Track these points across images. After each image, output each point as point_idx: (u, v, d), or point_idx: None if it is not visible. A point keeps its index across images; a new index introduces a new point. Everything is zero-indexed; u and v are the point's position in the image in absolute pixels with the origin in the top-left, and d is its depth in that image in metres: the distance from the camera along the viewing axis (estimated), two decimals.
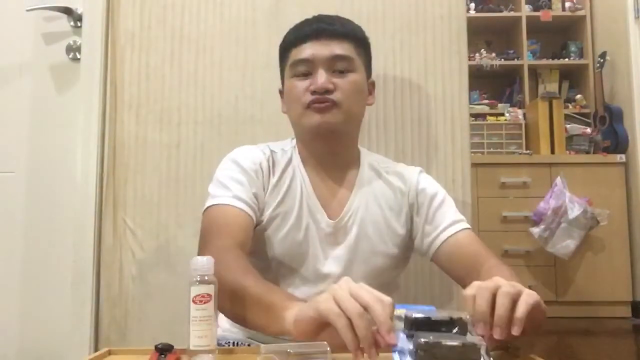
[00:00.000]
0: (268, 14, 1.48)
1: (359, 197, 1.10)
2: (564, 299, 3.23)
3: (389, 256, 1.10)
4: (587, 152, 3.56)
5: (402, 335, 0.67)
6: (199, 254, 0.94)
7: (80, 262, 1.45)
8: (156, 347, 0.78)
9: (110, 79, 1.48)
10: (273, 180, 1.09)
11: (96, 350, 1.37)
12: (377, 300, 0.67)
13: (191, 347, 0.74)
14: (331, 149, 1.11)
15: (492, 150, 3.63)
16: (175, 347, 0.78)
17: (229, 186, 1.04)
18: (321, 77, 1.04)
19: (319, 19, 1.12)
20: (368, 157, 1.19)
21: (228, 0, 1.49)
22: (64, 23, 1.57)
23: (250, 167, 1.07)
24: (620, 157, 3.30)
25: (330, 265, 1.06)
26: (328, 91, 1.04)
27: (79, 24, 1.55)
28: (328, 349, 0.72)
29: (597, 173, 3.30)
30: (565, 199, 3.11)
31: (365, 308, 0.66)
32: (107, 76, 1.48)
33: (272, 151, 1.12)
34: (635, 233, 3.24)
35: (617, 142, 3.36)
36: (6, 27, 1.61)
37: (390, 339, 0.65)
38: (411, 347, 0.65)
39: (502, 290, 0.71)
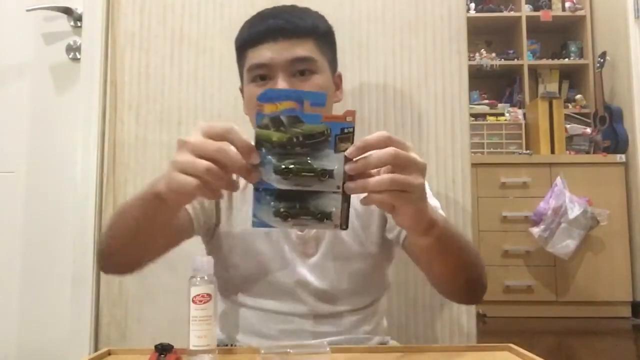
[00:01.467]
0: None
1: None
2: (564, 299, 3.23)
3: (369, 256, 1.04)
4: (587, 152, 3.56)
5: (266, 168, 0.64)
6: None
7: (80, 262, 1.45)
8: (156, 347, 0.78)
9: (110, 79, 1.48)
10: (235, 192, 1.00)
11: (96, 350, 1.37)
12: (224, 128, 0.64)
13: (191, 347, 0.74)
14: None
15: (492, 150, 3.64)
16: (175, 347, 0.78)
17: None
18: (281, 84, 0.97)
19: (275, 14, 1.03)
20: None
21: (228, 0, 1.49)
22: (64, 23, 1.57)
23: None
24: (620, 157, 3.30)
25: (307, 274, 1.00)
26: None
27: (79, 24, 1.55)
28: (328, 349, 0.73)
29: (597, 173, 3.30)
30: (565, 199, 3.12)
31: (222, 138, 0.63)
32: (107, 76, 1.48)
33: None
34: (635, 233, 3.24)
35: (617, 142, 3.36)
36: (6, 27, 1.61)
37: (253, 158, 0.63)
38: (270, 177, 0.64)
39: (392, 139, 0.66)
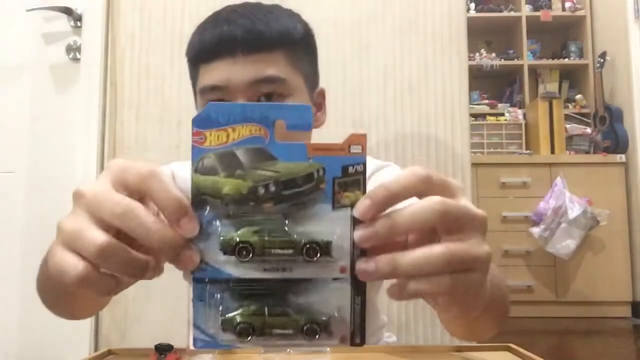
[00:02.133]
0: None
1: None
2: (564, 299, 3.23)
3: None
4: (587, 152, 3.56)
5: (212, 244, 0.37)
6: None
7: None
8: (156, 347, 0.78)
9: (110, 79, 1.48)
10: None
11: (96, 350, 1.37)
12: (151, 173, 0.38)
13: (191, 347, 0.74)
14: None
15: (492, 150, 3.64)
16: (175, 347, 0.78)
17: None
18: None
19: (231, 18, 0.80)
20: None
21: (228, 0, 1.48)
22: (64, 23, 1.57)
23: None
24: (620, 157, 3.31)
25: None
26: None
27: (79, 24, 1.55)
28: (328, 349, 0.72)
29: (597, 173, 3.30)
30: (565, 199, 3.12)
31: (143, 193, 0.38)
32: (107, 76, 1.48)
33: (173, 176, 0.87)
34: (635, 233, 3.24)
35: (617, 142, 3.36)
36: (6, 27, 1.61)
37: (186, 225, 0.36)
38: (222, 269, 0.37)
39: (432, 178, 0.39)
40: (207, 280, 0.37)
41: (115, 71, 1.48)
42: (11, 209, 1.56)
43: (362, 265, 0.37)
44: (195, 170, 0.37)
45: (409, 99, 1.44)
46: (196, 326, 0.38)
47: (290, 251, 0.37)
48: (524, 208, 3.27)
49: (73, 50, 1.56)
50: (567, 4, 3.93)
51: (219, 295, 0.38)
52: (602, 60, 3.51)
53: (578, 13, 3.92)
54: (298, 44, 0.82)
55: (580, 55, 3.96)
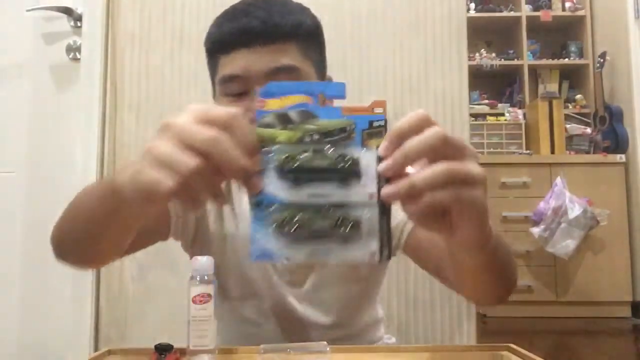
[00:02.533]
0: None
1: None
2: (564, 299, 3.23)
3: (362, 280, 0.97)
4: (587, 152, 3.56)
5: (272, 174, 0.48)
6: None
7: None
8: (156, 347, 0.78)
9: (110, 79, 1.48)
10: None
11: (96, 350, 1.37)
12: (233, 115, 0.47)
13: (191, 347, 0.74)
14: None
15: (492, 150, 3.64)
16: (175, 347, 0.78)
17: None
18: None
19: (248, 11, 0.85)
20: None
21: (228, 0, 1.48)
22: (64, 23, 1.57)
23: None
24: (620, 157, 3.30)
25: (297, 304, 0.93)
26: None
27: (79, 24, 1.55)
28: (328, 349, 0.73)
29: (597, 173, 3.30)
30: (565, 199, 3.12)
31: (224, 127, 0.46)
32: (107, 76, 1.48)
33: None
34: (635, 233, 3.24)
35: (617, 142, 3.36)
36: (6, 27, 1.61)
37: (256, 160, 0.47)
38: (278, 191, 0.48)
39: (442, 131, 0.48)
40: (263, 204, 0.48)
41: (115, 71, 1.48)
42: (11, 209, 1.56)
43: (386, 189, 0.46)
44: (258, 125, 0.48)
45: (409, 99, 1.44)
46: (253, 242, 0.48)
47: (329, 168, 0.48)
48: (524, 208, 3.27)
49: (73, 50, 1.56)
50: (567, 4, 3.92)
51: (273, 217, 0.48)
52: (602, 60, 3.51)
53: (578, 13, 3.91)
54: (309, 35, 0.87)
55: (580, 55, 3.95)
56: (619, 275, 3.21)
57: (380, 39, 1.44)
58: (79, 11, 1.55)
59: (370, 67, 1.44)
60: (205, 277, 0.75)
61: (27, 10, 1.55)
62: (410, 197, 0.46)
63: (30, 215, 1.56)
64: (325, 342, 0.73)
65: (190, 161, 0.45)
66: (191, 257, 0.93)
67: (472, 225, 0.49)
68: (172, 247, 1.43)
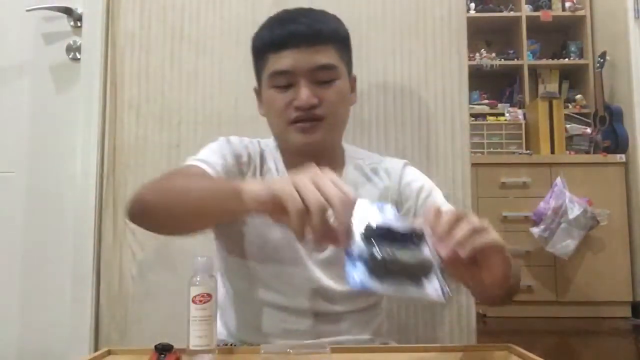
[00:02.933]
0: (268, 14, 1.47)
1: None
2: (564, 299, 3.23)
3: None
4: (587, 152, 3.56)
5: (358, 238, 0.66)
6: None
7: (80, 262, 1.45)
8: (156, 347, 0.78)
9: (110, 79, 1.48)
10: (258, 175, 1.05)
11: (96, 350, 1.36)
12: (341, 197, 0.64)
13: (191, 347, 0.74)
14: (314, 159, 1.03)
15: (492, 150, 3.64)
16: (175, 347, 0.78)
17: (201, 153, 1.02)
18: (304, 93, 0.98)
19: (296, 18, 1.03)
20: (353, 156, 1.13)
21: (228, 0, 1.49)
22: (64, 23, 1.57)
23: (234, 148, 1.05)
24: (620, 157, 3.30)
25: (316, 270, 1.00)
26: (312, 107, 0.99)
27: (79, 24, 1.55)
28: (328, 349, 0.73)
29: (597, 173, 3.30)
30: (565, 199, 3.11)
31: (327, 201, 0.63)
32: (107, 76, 1.48)
33: (262, 148, 1.09)
34: (635, 233, 3.24)
35: (617, 142, 3.36)
36: (6, 27, 1.61)
37: (345, 243, 0.64)
38: (364, 255, 0.65)
39: (468, 219, 0.69)
40: (354, 255, 0.65)
41: (115, 71, 1.48)
42: (11, 209, 1.56)
43: (440, 247, 0.67)
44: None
45: (409, 99, 1.44)
46: (349, 275, 0.63)
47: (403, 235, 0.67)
48: (524, 208, 3.27)
49: (73, 50, 1.56)
50: (567, 4, 3.92)
51: (362, 260, 0.64)
52: (602, 60, 3.51)
53: (578, 13, 3.91)
54: (343, 40, 1.07)
55: (580, 55, 3.95)
56: (619, 275, 3.21)
57: (380, 39, 1.44)
58: (79, 11, 1.55)
59: (370, 67, 1.43)
60: (206, 277, 0.75)
61: (27, 10, 1.55)
62: (456, 257, 0.66)
63: (30, 215, 1.56)
64: (325, 342, 0.73)
65: (321, 200, 0.63)
66: (216, 232, 1.06)
67: (497, 263, 0.70)
68: (172, 247, 1.43)
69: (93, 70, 1.49)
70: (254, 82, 1.13)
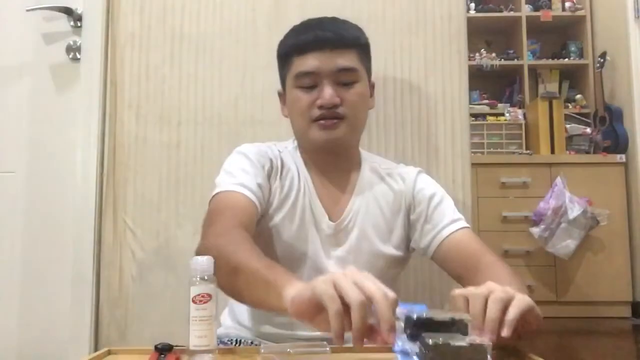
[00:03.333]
0: (268, 14, 1.48)
1: (359, 199, 1.11)
2: (564, 299, 3.22)
3: (390, 257, 1.10)
4: (587, 152, 3.56)
5: (403, 336, 0.66)
6: (202, 237, 0.95)
7: (80, 262, 1.45)
8: (156, 347, 0.78)
9: (110, 79, 1.48)
10: (279, 178, 1.09)
11: (96, 350, 1.37)
12: (383, 294, 0.64)
13: (191, 347, 0.74)
14: (334, 158, 1.12)
15: (492, 150, 3.63)
16: (175, 347, 0.78)
17: (235, 174, 1.05)
18: (328, 92, 1.04)
19: (322, 25, 1.10)
20: (369, 159, 1.19)
21: (228, 0, 1.49)
22: (64, 23, 1.57)
23: (257, 159, 1.08)
24: (620, 157, 3.30)
25: (332, 266, 1.05)
26: (335, 106, 1.05)
27: (79, 24, 1.55)
28: (328, 349, 0.73)
29: (597, 173, 3.30)
30: (565, 199, 3.11)
31: (369, 299, 0.64)
32: (107, 76, 1.48)
33: (279, 151, 1.14)
34: (635, 233, 3.24)
35: (617, 142, 3.35)
36: (6, 27, 1.61)
37: (389, 338, 0.63)
38: (414, 347, 0.64)
39: (494, 295, 0.72)
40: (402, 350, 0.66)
41: (115, 71, 1.48)
42: (11, 209, 1.56)
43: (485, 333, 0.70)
44: None
45: (409, 99, 1.44)
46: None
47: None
48: (524, 208, 3.26)
49: (73, 50, 1.56)
50: (567, 4, 3.92)
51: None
52: (602, 60, 3.51)
53: (578, 13, 3.91)
54: (364, 47, 1.13)
55: (580, 55, 3.95)
56: (619, 275, 3.21)
57: (381, 39, 1.44)
58: (79, 11, 1.55)
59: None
60: (205, 277, 0.75)
61: (27, 10, 1.55)
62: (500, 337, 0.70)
63: (30, 215, 1.56)
64: (325, 342, 0.73)
65: (360, 297, 0.64)
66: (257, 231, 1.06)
67: (531, 333, 0.76)
68: (172, 247, 1.43)
69: (93, 70, 1.49)
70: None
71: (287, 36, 1.14)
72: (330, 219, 1.08)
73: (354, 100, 1.07)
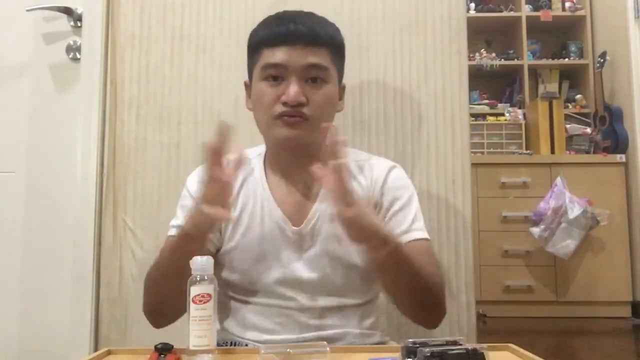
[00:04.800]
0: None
1: (325, 202, 1.04)
2: (564, 299, 3.22)
3: (363, 254, 1.04)
4: (587, 152, 3.56)
5: None
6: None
7: (80, 262, 1.45)
8: (156, 347, 0.78)
9: (110, 79, 1.48)
10: (238, 197, 1.07)
11: (96, 350, 1.37)
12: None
13: (191, 347, 0.74)
14: (297, 158, 1.07)
15: (492, 150, 3.63)
16: (175, 347, 0.78)
17: (179, 215, 1.08)
18: (293, 89, 0.99)
19: (296, 19, 1.05)
20: None
21: (228, 0, 1.49)
22: (64, 23, 1.57)
23: (197, 193, 1.00)
24: (620, 157, 3.30)
25: (303, 269, 1.03)
26: (300, 104, 1.00)
27: (79, 24, 1.55)
28: (328, 349, 0.73)
29: (597, 173, 3.30)
30: (565, 199, 3.11)
31: None
32: (107, 76, 1.48)
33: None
34: (635, 233, 3.24)
35: (617, 142, 3.35)
36: (6, 27, 1.61)
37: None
38: None
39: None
40: None
41: (115, 71, 1.48)
42: (11, 209, 1.56)
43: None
44: None
45: (409, 99, 1.44)
46: None
47: None
48: (524, 208, 3.26)
49: (73, 50, 1.56)
50: (567, 4, 3.92)
51: None
52: (602, 60, 3.51)
53: (578, 13, 3.91)
54: (338, 47, 1.09)
55: (580, 55, 3.95)
56: (619, 275, 3.21)
57: (380, 39, 1.44)
58: (79, 11, 1.55)
59: (370, 67, 1.44)
60: (205, 277, 0.75)
61: (27, 10, 1.55)
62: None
63: (30, 215, 1.56)
64: (325, 342, 0.73)
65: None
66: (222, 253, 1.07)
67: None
68: None
69: (93, 70, 1.49)
70: None
71: (259, 27, 1.09)
72: (294, 224, 1.04)
73: (320, 102, 1.02)
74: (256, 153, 1.14)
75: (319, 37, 1.03)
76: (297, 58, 1.01)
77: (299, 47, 1.01)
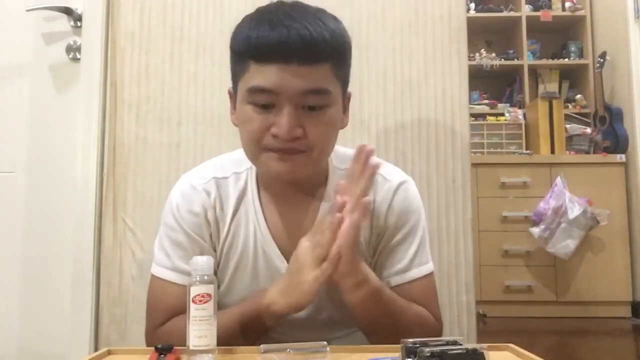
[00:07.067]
0: None
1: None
2: (564, 299, 3.22)
3: None
4: (587, 152, 3.56)
5: None
6: (146, 326, 0.97)
7: (80, 262, 1.45)
8: (156, 347, 0.78)
9: (110, 79, 1.48)
10: (223, 230, 0.95)
11: (96, 350, 1.37)
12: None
13: (191, 347, 0.74)
14: (293, 186, 0.94)
15: (492, 150, 3.63)
16: (175, 347, 0.78)
17: (169, 252, 0.93)
18: (286, 122, 0.81)
19: (289, 20, 0.82)
20: (337, 166, 0.98)
21: (228, 0, 1.49)
22: (64, 23, 1.57)
23: (193, 229, 0.94)
24: (620, 157, 3.30)
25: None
26: (295, 138, 0.83)
27: (79, 24, 1.55)
28: (328, 349, 0.73)
29: (597, 173, 3.30)
30: (565, 199, 3.11)
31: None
32: (107, 76, 1.48)
33: (218, 188, 0.96)
34: (635, 233, 3.24)
35: (617, 142, 3.35)
36: (6, 27, 1.61)
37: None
38: None
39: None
40: None
41: (115, 71, 1.48)
42: (11, 209, 1.56)
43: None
44: None
45: (409, 99, 1.44)
46: None
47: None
48: (524, 208, 3.26)
49: (73, 50, 1.56)
50: (567, 4, 3.92)
51: None
52: (602, 60, 3.51)
53: (578, 13, 3.91)
54: (343, 55, 0.89)
55: (580, 55, 3.95)
56: (619, 275, 3.21)
57: (380, 39, 1.44)
58: (79, 11, 1.55)
59: (370, 67, 1.44)
60: (205, 277, 0.75)
61: (27, 10, 1.55)
62: None
63: (30, 215, 1.56)
64: (325, 342, 0.73)
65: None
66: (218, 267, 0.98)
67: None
68: None
69: (93, 70, 1.49)
70: None
71: (245, 25, 0.88)
72: (289, 261, 0.88)
73: (319, 132, 0.85)
74: (247, 164, 0.97)
75: (319, 49, 0.82)
76: (292, 81, 0.81)
77: (294, 66, 0.81)
